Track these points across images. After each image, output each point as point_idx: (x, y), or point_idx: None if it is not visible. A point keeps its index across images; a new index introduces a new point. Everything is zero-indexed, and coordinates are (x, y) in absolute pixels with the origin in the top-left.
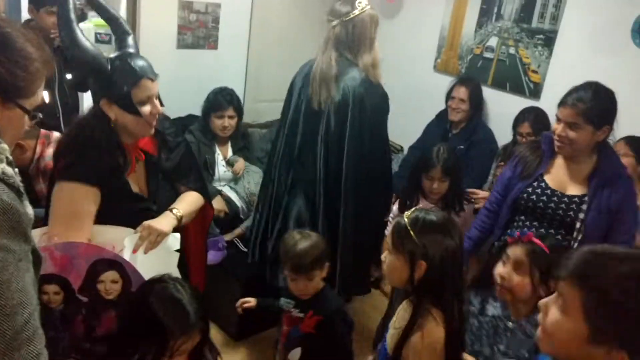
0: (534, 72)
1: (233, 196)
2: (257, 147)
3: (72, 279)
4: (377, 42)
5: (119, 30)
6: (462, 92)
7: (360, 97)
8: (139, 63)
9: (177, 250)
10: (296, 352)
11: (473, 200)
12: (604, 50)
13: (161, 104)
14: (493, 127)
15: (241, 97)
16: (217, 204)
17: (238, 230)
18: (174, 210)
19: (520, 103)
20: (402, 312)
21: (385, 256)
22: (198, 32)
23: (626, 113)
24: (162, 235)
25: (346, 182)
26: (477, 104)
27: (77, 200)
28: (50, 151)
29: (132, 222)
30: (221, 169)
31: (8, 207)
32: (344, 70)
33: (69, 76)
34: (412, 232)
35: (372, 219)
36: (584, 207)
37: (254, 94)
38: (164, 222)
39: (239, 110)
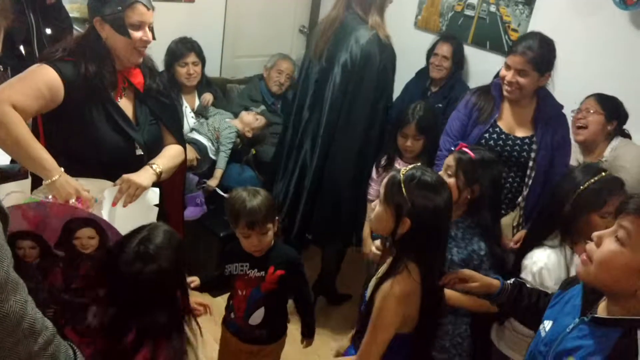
0: (514, 30)
1: (198, 137)
2: (235, 103)
3: (47, 236)
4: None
5: None
6: (445, 49)
7: (365, 57)
8: None
9: (156, 205)
10: (259, 314)
11: None
12: (584, 10)
13: (153, 37)
14: (473, 86)
15: (219, 52)
16: (188, 152)
17: (219, 172)
18: (154, 166)
19: (500, 62)
20: (385, 266)
21: (375, 204)
22: None
23: (604, 72)
24: (141, 189)
25: (344, 131)
26: (459, 62)
27: (38, 73)
28: None
29: (124, 155)
30: (190, 120)
31: None
32: (353, 25)
33: (48, 31)
34: (403, 188)
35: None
36: (534, 147)
37: (232, 49)
38: (144, 176)
39: (202, 57)
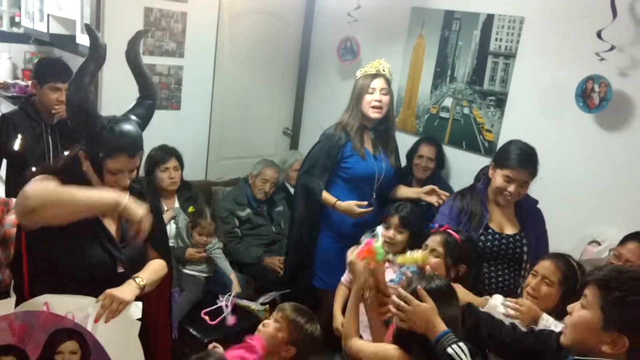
0: (488, 131)
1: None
2: (220, 207)
3: (29, 350)
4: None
5: (142, 90)
6: (429, 150)
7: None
8: (126, 134)
9: (138, 319)
10: None
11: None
12: (550, 113)
13: (137, 176)
14: (454, 184)
15: (204, 155)
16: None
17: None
18: (137, 279)
19: (476, 161)
20: None
21: None
22: (161, 94)
23: (569, 170)
24: (124, 304)
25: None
26: (441, 161)
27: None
28: (10, 218)
29: (107, 272)
30: (172, 225)
31: None
32: None
33: (66, 152)
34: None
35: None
36: (525, 241)
37: (217, 152)
38: (127, 290)
39: (181, 161)
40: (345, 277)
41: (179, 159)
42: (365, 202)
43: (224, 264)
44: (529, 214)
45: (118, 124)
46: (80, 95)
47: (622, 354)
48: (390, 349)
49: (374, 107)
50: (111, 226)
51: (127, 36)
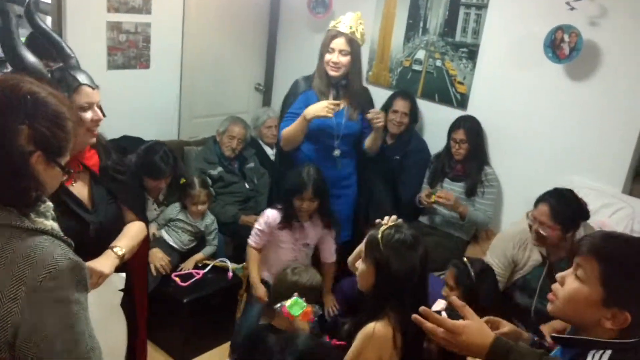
0: (460, 83)
1: (167, 238)
2: (193, 167)
3: None
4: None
5: (61, 55)
6: (404, 105)
7: None
8: (80, 74)
9: (121, 290)
10: None
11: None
12: (521, 64)
13: (103, 114)
14: (427, 138)
15: (177, 115)
16: (158, 259)
17: (200, 256)
18: (116, 249)
19: (449, 113)
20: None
21: (359, 263)
22: (129, 52)
23: (540, 121)
24: (103, 277)
25: None
26: (415, 116)
27: None
28: None
29: (78, 237)
30: (152, 213)
31: (76, 265)
32: None
33: None
34: (381, 245)
35: None
36: None
37: (189, 111)
38: (105, 263)
39: (176, 172)
40: (251, 239)
41: (174, 170)
42: (330, 99)
43: (210, 250)
44: None
45: (65, 68)
46: (19, 58)
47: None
48: None
49: (330, 67)
50: (83, 191)
51: None
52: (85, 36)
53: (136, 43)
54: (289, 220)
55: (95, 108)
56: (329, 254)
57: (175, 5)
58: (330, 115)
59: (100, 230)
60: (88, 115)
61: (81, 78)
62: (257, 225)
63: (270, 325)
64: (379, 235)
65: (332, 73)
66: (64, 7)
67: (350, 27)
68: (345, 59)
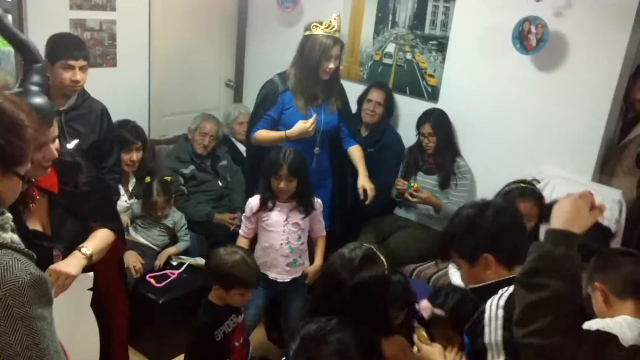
0: (431, 76)
1: (141, 239)
2: (163, 166)
3: None
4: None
5: (28, 58)
6: (378, 95)
7: None
8: (35, 105)
9: (90, 289)
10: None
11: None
12: (490, 55)
13: (61, 144)
14: (401, 130)
15: (146, 113)
16: (133, 261)
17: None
18: (83, 249)
19: (420, 106)
20: None
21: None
22: (94, 51)
23: (509, 111)
24: (70, 278)
25: None
26: (390, 108)
27: None
28: None
29: (46, 262)
30: (123, 204)
31: (38, 279)
32: None
33: (69, 145)
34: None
35: None
36: None
37: (159, 109)
38: (72, 263)
39: (146, 142)
40: (241, 228)
41: (144, 140)
42: (311, 120)
43: (183, 245)
44: None
45: (25, 99)
46: None
47: None
48: None
49: (327, 72)
50: (41, 216)
51: None
52: (48, 34)
53: (101, 41)
54: (267, 202)
55: (50, 145)
56: (319, 229)
57: (140, 1)
58: (312, 132)
59: (69, 249)
60: (40, 155)
61: (37, 113)
62: (244, 214)
63: None
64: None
65: (325, 77)
66: (24, 5)
67: (339, 30)
68: (337, 62)
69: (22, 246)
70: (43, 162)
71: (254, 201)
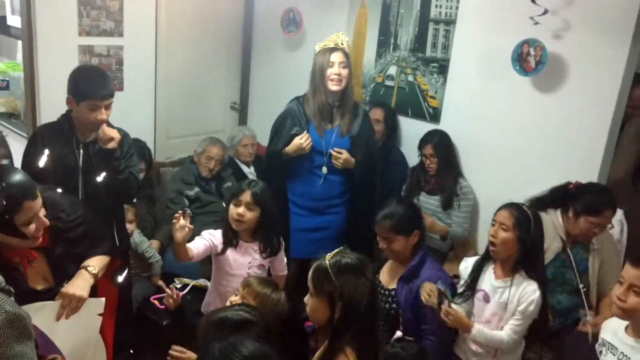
0: (432, 97)
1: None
2: (168, 188)
3: None
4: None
5: None
6: (377, 112)
7: None
8: (16, 183)
9: (100, 314)
10: None
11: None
12: (490, 77)
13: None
14: (405, 151)
15: (152, 136)
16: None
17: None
18: (89, 268)
19: (422, 127)
20: (321, 351)
21: (307, 298)
22: None
23: (508, 133)
24: (82, 301)
25: None
26: (392, 125)
27: None
28: None
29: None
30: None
31: (14, 317)
32: None
33: (99, 179)
34: (331, 275)
35: None
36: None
37: (165, 131)
38: (82, 285)
39: (151, 163)
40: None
41: (148, 160)
42: (304, 134)
43: (157, 269)
44: (409, 276)
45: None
46: None
47: None
48: None
49: (332, 80)
50: (42, 270)
51: (59, 18)
52: (57, 60)
53: (109, 66)
54: (230, 238)
55: (39, 215)
56: (280, 268)
57: (147, 26)
58: (308, 149)
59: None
60: (32, 227)
61: (19, 189)
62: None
63: None
64: (327, 266)
65: (334, 88)
66: (34, 32)
67: (341, 43)
68: (345, 71)
69: (1, 280)
70: (35, 233)
71: (217, 234)
